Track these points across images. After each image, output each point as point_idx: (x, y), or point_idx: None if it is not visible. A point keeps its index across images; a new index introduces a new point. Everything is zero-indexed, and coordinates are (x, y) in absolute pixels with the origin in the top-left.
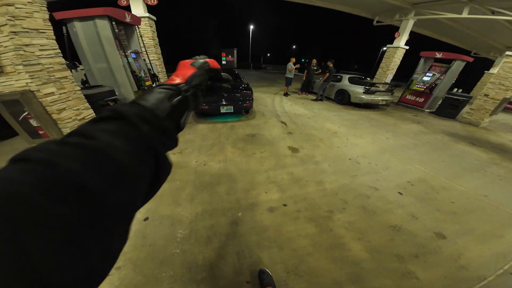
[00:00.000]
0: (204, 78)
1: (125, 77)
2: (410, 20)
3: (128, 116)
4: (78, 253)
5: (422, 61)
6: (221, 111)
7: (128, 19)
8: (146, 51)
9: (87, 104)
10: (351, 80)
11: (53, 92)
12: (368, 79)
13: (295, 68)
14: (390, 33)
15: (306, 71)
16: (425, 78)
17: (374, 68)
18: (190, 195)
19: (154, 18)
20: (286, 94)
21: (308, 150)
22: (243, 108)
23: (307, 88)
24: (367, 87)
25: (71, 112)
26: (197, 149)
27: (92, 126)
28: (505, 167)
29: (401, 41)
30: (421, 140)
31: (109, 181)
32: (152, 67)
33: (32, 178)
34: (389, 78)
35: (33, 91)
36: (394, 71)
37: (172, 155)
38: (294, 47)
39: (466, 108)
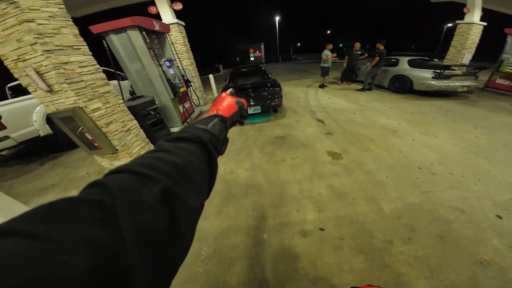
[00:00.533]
0: (238, 115)
1: (162, 86)
2: None
3: (205, 142)
4: (194, 227)
5: (510, 39)
6: (248, 112)
7: (157, 27)
8: (178, 58)
9: (130, 116)
10: (412, 63)
11: (99, 107)
12: (436, 60)
13: (334, 57)
14: (451, 9)
15: (347, 56)
16: None
17: (439, 48)
18: (217, 208)
19: (183, 23)
20: (322, 86)
21: (355, 156)
22: (271, 107)
23: (349, 76)
24: (439, 71)
25: (117, 124)
26: (225, 154)
27: (179, 145)
28: None
29: (474, 17)
30: None
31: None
32: (185, 73)
33: (160, 185)
34: (466, 58)
35: (81, 107)
36: (473, 50)
37: None
38: (328, 32)
39: None
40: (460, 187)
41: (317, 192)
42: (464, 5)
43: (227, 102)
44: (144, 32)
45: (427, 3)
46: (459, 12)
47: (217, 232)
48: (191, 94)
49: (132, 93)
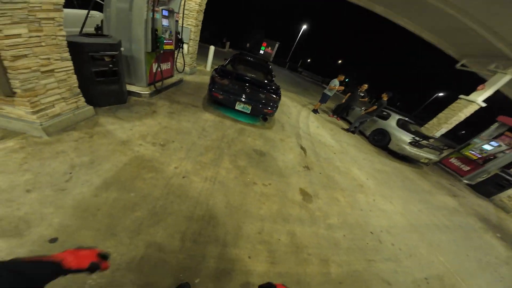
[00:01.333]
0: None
1: (142, 33)
2: (508, 76)
3: None
4: None
5: (495, 126)
6: (236, 107)
7: None
8: (183, 13)
9: (66, 55)
10: (399, 123)
11: (20, 34)
12: (414, 124)
13: (339, 91)
14: (457, 80)
15: (349, 93)
16: (486, 147)
17: (417, 112)
18: (138, 224)
19: None
20: (315, 111)
21: (324, 204)
22: (262, 113)
23: (341, 112)
24: (417, 138)
25: (33, 61)
26: (186, 147)
27: None
28: None
29: (480, 96)
30: (454, 222)
31: None
32: (181, 31)
33: None
34: (440, 132)
35: None
36: (451, 126)
37: (152, 146)
38: (339, 61)
39: (509, 192)
40: (395, 259)
41: (276, 238)
42: (484, 81)
43: (82, 254)
44: None
45: (432, 66)
46: (451, 85)
47: (123, 262)
48: (176, 56)
49: (97, 29)
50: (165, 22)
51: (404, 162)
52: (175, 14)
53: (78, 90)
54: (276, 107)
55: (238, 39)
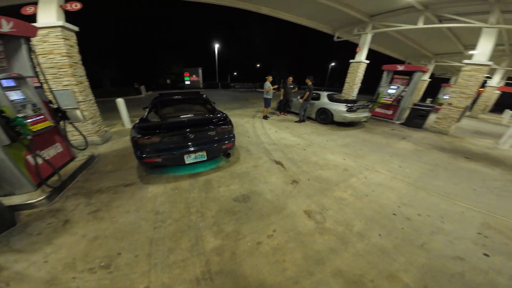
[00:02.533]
0: None
1: None
2: (368, 34)
3: None
4: None
5: (385, 74)
6: (186, 162)
7: (6, 28)
8: (43, 74)
9: None
10: (330, 98)
11: None
12: (338, 94)
13: (274, 89)
14: (336, 49)
15: (282, 89)
16: (391, 91)
17: (327, 83)
18: None
19: (76, 28)
20: (265, 117)
21: (336, 212)
22: (222, 151)
23: (285, 108)
24: (350, 105)
25: None
26: (144, 252)
27: None
28: None
29: (362, 56)
30: (428, 162)
31: None
32: (56, 97)
33: None
34: (355, 92)
35: None
36: (359, 85)
37: (92, 275)
38: (258, 65)
39: (433, 118)
40: (437, 230)
41: None
42: (357, 45)
43: None
44: None
45: (321, 43)
46: (339, 53)
47: None
48: (65, 132)
49: None
50: (15, 95)
51: (352, 128)
52: (29, 80)
53: None
54: (234, 137)
55: (153, 79)
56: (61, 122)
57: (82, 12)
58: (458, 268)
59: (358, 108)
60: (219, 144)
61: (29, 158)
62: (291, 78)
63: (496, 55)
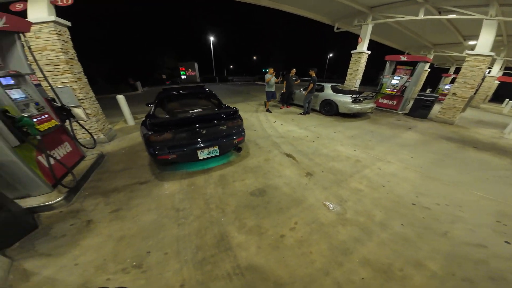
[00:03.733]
0: None
1: None
2: (369, 25)
3: None
4: None
5: (387, 64)
6: (200, 158)
7: None
8: (42, 71)
9: None
10: (334, 89)
11: None
12: (341, 85)
13: (276, 82)
14: (336, 40)
15: (285, 82)
16: (394, 82)
17: (325, 74)
18: None
19: (68, 23)
20: (269, 110)
21: (354, 203)
22: (233, 146)
23: (288, 100)
24: (355, 96)
25: None
26: (172, 250)
27: None
28: None
29: (364, 46)
30: (437, 152)
31: None
32: (57, 96)
33: None
34: (357, 83)
35: None
36: (361, 76)
37: (126, 276)
38: (255, 58)
39: (437, 108)
40: (457, 219)
41: (359, 279)
42: (357, 36)
43: None
44: None
45: (321, 35)
46: (336, 45)
47: None
48: (73, 131)
49: None
50: (16, 93)
51: (356, 119)
52: (28, 77)
53: None
54: (244, 131)
55: (148, 74)
56: (67, 121)
57: (70, 7)
58: (482, 255)
59: (364, 99)
60: (230, 139)
61: (41, 158)
62: (294, 70)
63: (494, 46)
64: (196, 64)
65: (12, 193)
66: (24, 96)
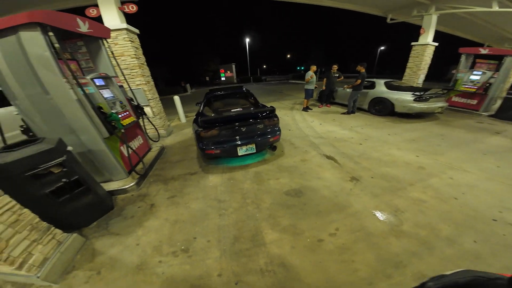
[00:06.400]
0: None
1: (85, 118)
2: (433, 15)
3: None
4: None
5: (463, 58)
6: (239, 154)
7: (83, 28)
8: (123, 74)
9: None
10: (389, 86)
11: None
12: (398, 81)
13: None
14: (386, 32)
15: (325, 79)
16: (473, 77)
17: (375, 69)
18: None
19: (137, 31)
20: (305, 109)
21: (414, 215)
22: (269, 144)
23: (328, 99)
24: (419, 93)
25: None
26: (214, 238)
27: None
28: None
29: (428, 37)
30: None
31: None
32: (134, 96)
33: None
34: (421, 79)
35: None
36: (425, 71)
37: (174, 259)
38: (288, 56)
39: None
40: None
41: None
42: (416, 27)
43: None
44: (50, 34)
45: (365, 25)
46: (389, 38)
47: None
48: (144, 126)
49: (25, 131)
50: (106, 93)
51: (419, 120)
52: (114, 79)
53: (45, 224)
54: (279, 130)
55: (194, 77)
56: (140, 118)
57: (135, 16)
58: None
59: (431, 97)
60: (267, 137)
61: (122, 149)
62: (336, 66)
63: None
64: (233, 66)
65: (99, 177)
66: (112, 95)
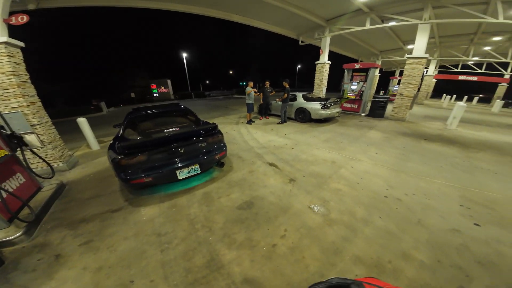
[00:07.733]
0: None
1: None
2: (327, 38)
3: None
4: None
5: (346, 72)
6: (179, 178)
7: None
8: None
9: None
10: (305, 98)
11: None
12: (311, 93)
13: (255, 92)
14: (305, 52)
15: (261, 93)
16: (353, 87)
17: (296, 84)
18: None
19: (21, 44)
20: (249, 122)
21: (336, 203)
22: (215, 161)
23: (266, 110)
24: (323, 103)
25: None
26: (159, 275)
27: None
28: (484, 160)
29: (325, 57)
30: (398, 147)
31: None
32: (6, 122)
33: None
34: (324, 90)
35: None
36: (326, 84)
37: None
38: (231, 72)
39: (390, 107)
40: (426, 207)
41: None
42: (318, 48)
43: None
44: None
45: (288, 48)
46: (306, 57)
47: None
48: (25, 160)
49: None
50: None
51: (328, 123)
52: None
53: None
54: (225, 145)
55: (115, 94)
56: (18, 149)
57: (27, 26)
58: (459, 239)
59: (331, 105)
60: (212, 155)
61: None
62: (268, 82)
63: (428, 48)
64: (169, 81)
65: None
66: None
